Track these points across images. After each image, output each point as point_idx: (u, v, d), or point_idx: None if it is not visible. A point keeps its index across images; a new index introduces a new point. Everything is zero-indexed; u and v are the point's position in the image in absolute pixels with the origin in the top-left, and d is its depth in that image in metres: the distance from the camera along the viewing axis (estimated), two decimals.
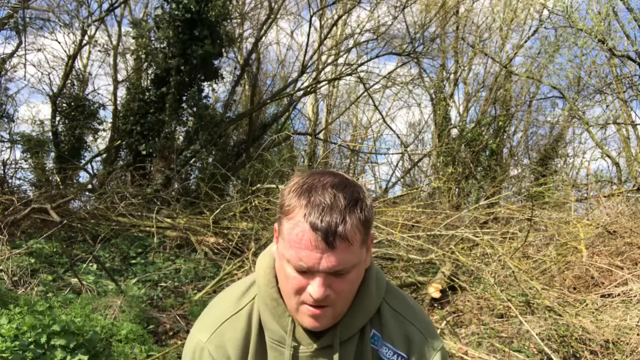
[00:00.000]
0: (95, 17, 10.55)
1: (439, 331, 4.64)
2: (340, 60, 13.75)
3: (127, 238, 7.03)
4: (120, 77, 11.74)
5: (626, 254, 6.00)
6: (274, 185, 7.71)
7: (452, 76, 15.09)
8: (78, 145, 10.97)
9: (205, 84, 10.74)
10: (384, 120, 16.45)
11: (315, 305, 1.00)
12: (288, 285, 1.01)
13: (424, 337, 1.13)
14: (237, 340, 1.09)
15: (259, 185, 8.03)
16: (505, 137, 14.71)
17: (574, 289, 5.68)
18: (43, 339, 3.24)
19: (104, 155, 11.47)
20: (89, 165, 11.46)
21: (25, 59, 10.51)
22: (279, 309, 1.07)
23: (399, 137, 16.95)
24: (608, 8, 9.67)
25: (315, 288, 0.97)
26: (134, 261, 6.29)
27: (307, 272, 0.97)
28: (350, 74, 13.49)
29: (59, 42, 12.70)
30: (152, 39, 10.40)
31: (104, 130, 11.53)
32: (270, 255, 1.12)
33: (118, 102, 11.18)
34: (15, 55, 10.30)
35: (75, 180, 10.32)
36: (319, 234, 0.93)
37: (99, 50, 11.76)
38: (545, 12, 13.13)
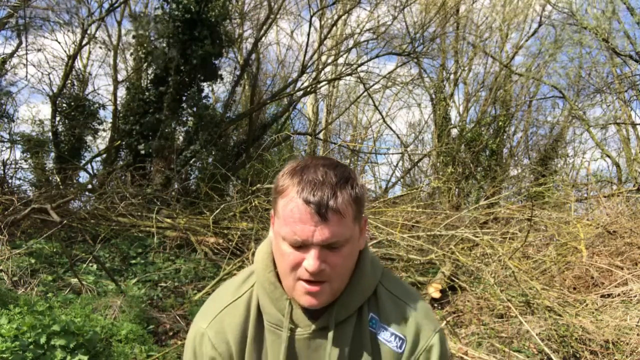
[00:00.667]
0: (96, 17, 10.56)
1: None
2: (340, 60, 13.75)
3: (127, 238, 7.02)
4: (120, 77, 11.74)
5: (626, 254, 6.00)
6: (273, 185, 7.69)
7: (452, 76, 15.09)
8: (78, 145, 10.97)
9: (205, 84, 10.74)
10: (384, 121, 16.44)
11: (311, 282, 1.01)
12: (284, 263, 1.03)
13: (421, 319, 1.14)
14: (236, 325, 1.12)
15: (259, 185, 8.03)
16: (505, 137, 14.70)
17: (574, 289, 5.68)
18: (43, 339, 3.24)
19: (104, 155, 11.47)
20: (89, 165, 11.47)
21: (26, 59, 10.52)
22: (276, 292, 1.09)
23: (399, 137, 16.95)
24: (608, 8, 9.67)
25: (310, 261, 0.99)
26: (134, 261, 6.29)
27: (302, 247, 1.00)
28: (350, 74, 13.48)
29: (59, 42, 12.71)
30: (152, 38, 10.41)
31: (104, 130, 11.54)
32: (268, 242, 1.15)
33: (118, 102, 11.18)
34: (15, 55, 10.31)
35: (75, 180, 10.32)
36: (311, 207, 0.97)
37: (100, 47, 11.77)
38: (546, 11, 13.15)
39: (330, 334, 1.08)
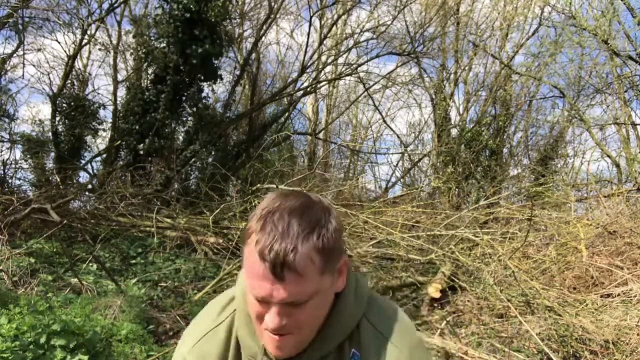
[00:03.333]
0: (96, 16, 10.55)
1: (438, 331, 4.64)
2: (340, 60, 13.75)
3: (127, 238, 7.03)
4: (120, 77, 11.74)
5: (626, 254, 5.99)
6: (274, 185, 7.71)
7: (452, 76, 15.09)
8: (78, 145, 10.97)
9: (204, 83, 10.73)
10: (384, 121, 16.46)
11: (275, 333, 0.97)
12: (251, 311, 1.00)
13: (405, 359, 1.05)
14: (215, 353, 1.11)
15: (258, 185, 8.03)
16: (505, 137, 14.70)
17: (574, 289, 5.68)
18: (43, 339, 3.24)
19: (104, 155, 11.47)
20: (89, 165, 11.46)
21: (24, 59, 10.51)
22: (253, 326, 1.06)
23: (398, 137, 16.96)
24: (608, 7, 9.67)
25: (270, 318, 0.95)
26: (134, 261, 6.30)
27: (263, 301, 0.95)
28: (350, 74, 13.48)
29: (59, 42, 12.66)
30: (152, 38, 10.41)
31: (104, 130, 11.53)
32: None
33: (118, 102, 11.18)
34: (15, 55, 10.31)
35: (75, 180, 10.32)
36: (266, 264, 0.91)
37: (99, 49, 11.77)
38: (546, 12, 13.15)
39: None
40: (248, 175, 10.92)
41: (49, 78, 11.29)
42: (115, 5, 10.65)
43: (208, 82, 10.84)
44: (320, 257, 0.93)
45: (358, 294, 1.08)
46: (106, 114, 12.57)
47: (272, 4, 11.69)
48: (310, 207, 0.96)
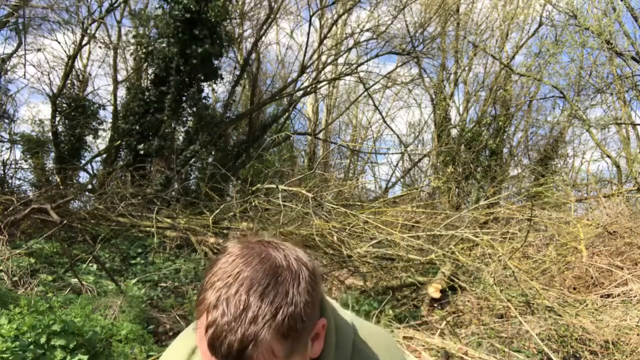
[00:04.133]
0: (96, 17, 10.56)
1: (438, 331, 4.64)
2: (340, 60, 13.77)
3: (127, 238, 7.03)
4: (120, 77, 11.75)
5: (626, 254, 5.99)
6: (274, 185, 7.71)
7: (452, 76, 15.09)
8: (78, 145, 10.99)
9: (205, 84, 10.74)
10: (384, 121, 16.46)
11: None
12: None
13: None
14: None
15: (258, 185, 8.03)
16: (505, 137, 14.71)
17: (574, 289, 5.68)
18: (43, 339, 3.24)
19: (104, 155, 11.48)
20: (89, 165, 11.48)
21: (25, 59, 10.52)
22: None
23: (398, 137, 16.96)
24: (609, 8, 9.68)
25: None
26: (134, 261, 6.30)
27: None
28: (350, 74, 13.49)
29: (59, 42, 12.71)
30: (152, 38, 10.42)
31: (104, 130, 11.55)
32: None
33: (118, 102, 11.19)
34: (15, 55, 10.32)
35: (75, 180, 10.33)
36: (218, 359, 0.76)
37: (100, 47, 11.79)
38: (546, 11, 13.15)
39: None
40: (248, 175, 10.94)
41: (49, 78, 11.33)
42: (115, 4, 10.66)
43: (208, 82, 10.85)
44: (286, 344, 0.77)
45: (340, 351, 0.95)
46: (106, 114, 12.59)
47: (272, 4, 11.70)
48: (275, 276, 0.79)
